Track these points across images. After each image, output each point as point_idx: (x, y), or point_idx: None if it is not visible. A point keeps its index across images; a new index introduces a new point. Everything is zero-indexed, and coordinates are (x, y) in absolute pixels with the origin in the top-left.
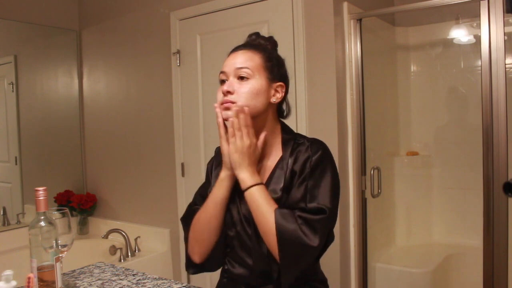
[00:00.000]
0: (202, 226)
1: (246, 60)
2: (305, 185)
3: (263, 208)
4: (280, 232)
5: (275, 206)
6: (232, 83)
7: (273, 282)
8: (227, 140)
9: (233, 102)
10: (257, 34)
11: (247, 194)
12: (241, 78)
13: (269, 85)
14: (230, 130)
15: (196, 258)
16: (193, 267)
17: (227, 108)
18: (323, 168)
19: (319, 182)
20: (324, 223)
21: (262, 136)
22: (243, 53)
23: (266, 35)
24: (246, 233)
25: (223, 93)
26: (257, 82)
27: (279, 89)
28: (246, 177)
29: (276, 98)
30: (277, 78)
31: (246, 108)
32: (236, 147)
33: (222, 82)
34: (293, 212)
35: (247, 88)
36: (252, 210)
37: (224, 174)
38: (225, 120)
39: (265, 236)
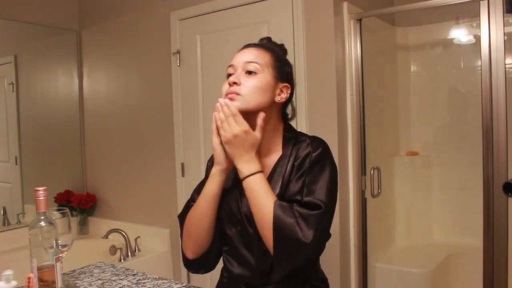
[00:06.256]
0: (194, 223)
1: (256, 56)
2: (303, 180)
3: (261, 199)
4: (277, 225)
5: (274, 197)
6: (240, 75)
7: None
8: (218, 134)
9: (238, 94)
10: (268, 38)
11: (244, 184)
12: (249, 72)
13: (276, 83)
14: (216, 124)
15: (189, 254)
16: (190, 266)
17: (232, 99)
18: (322, 165)
19: (317, 177)
20: (319, 218)
21: (260, 117)
22: (254, 49)
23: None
24: (247, 232)
25: (229, 84)
26: (264, 78)
27: (284, 89)
28: (241, 167)
29: (280, 98)
30: (284, 79)
31: (226, 101)
32: (225, 138)
33: (229, 75)
34: (292, 205)
35: (254, 82)
36: (249, 200)
37: (215, 169)
38: None
39: (261, 229)
